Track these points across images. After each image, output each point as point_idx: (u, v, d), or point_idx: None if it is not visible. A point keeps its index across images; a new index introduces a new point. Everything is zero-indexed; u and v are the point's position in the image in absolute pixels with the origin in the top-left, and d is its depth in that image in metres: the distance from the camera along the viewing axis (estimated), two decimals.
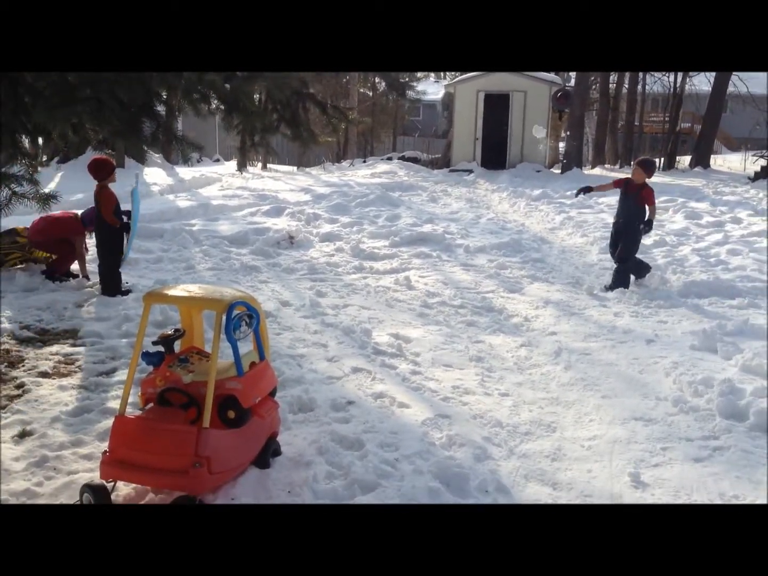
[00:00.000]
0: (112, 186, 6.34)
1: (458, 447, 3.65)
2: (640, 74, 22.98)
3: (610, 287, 7.06)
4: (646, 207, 7.10)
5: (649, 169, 7.18)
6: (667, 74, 23.67)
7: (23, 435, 3.68)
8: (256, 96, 4.12)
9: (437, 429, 3.86)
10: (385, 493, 3.13)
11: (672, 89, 23.22)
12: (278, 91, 3.78)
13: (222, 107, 3.87)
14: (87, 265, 6.99)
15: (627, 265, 7.15)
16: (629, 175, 7.38)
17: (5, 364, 4.66)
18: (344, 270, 7.83)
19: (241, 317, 3.11)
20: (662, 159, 22.12)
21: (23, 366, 4.64)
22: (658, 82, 24.75)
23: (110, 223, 6.23)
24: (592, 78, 24.20)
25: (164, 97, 3.91)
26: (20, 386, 4.30)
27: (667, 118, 24.03)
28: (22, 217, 8.57)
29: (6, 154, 3.45)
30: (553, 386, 4.63)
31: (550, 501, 3.19)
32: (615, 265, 7.24)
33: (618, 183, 7.34)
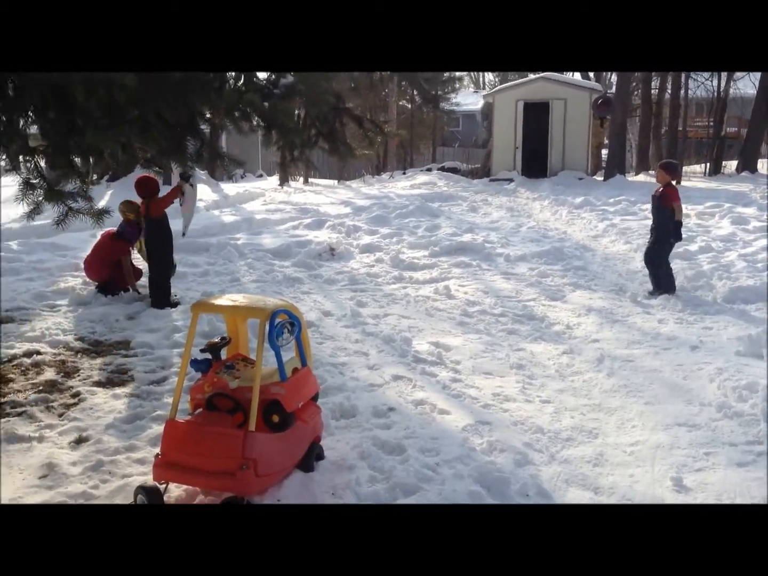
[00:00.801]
0: None
1: (499, 452, 3.69)
2: (683, 79, 22.60)
3: (655, 292, 7.02)
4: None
5: (670, 170, 7.25)
6: (710, 78, 23.25)
7: (80, 441, 3.85)
8: (296, 112, 4.27)
9: (478, 435, 3.90)
10: (426, 496, 3.19)
11: (716, 93, 22.78)
12: (315, 108, 3.91)
13: (262, 124, 4.02)
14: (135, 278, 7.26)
15: (661, 269, 7.11)
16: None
17: (62, 374, 4.87)
18: (384, 280, 7.93)
19: (284, 325, 3.22)
20: (708, 164, 21.71)
21: (78, 376, 4.84)
22: (701, 87, 24.30)
23: (174, 194, 6.62)
24: (634, 84, 23.95)
25: (207, 116, 4.08)
26: (76, 395, 4.49)
27: (711, 123, 23.56)
28: (75, 234, 8.92)
29: (61, 173, 3.66)
30: (595, 393, 4.62)
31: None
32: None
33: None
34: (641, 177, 20.55)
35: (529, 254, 9.22)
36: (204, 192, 16.46)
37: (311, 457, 3.40)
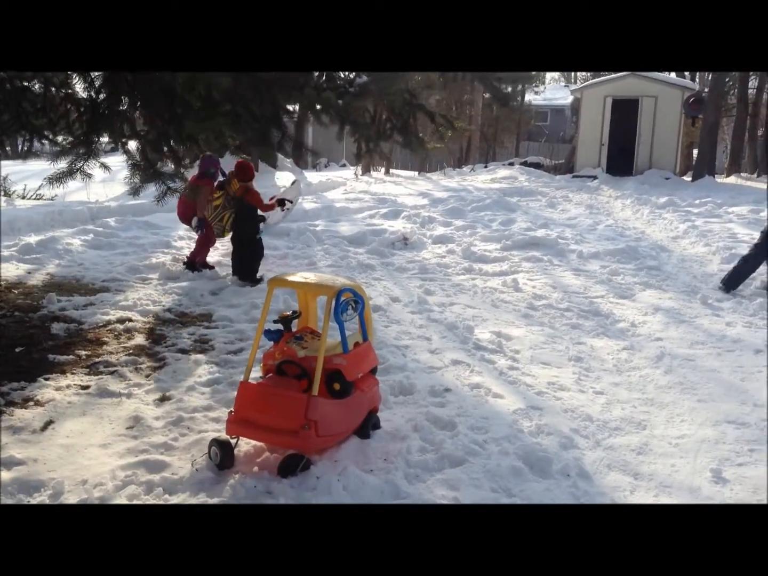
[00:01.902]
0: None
1: (546, 435, 3.87)
2: None
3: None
4: None
5: None
6: None
7: (163, 399, 4.27)
8: (370, 108, 4.57)
9: (527, 418, 4.09)
10: (471, 468, 3.42)
11: None
12: (387, 106, 4.18)
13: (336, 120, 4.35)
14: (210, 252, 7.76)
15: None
16: None
17: (150, 340, 5.36)
18: (453, 271, 8.13)
19: (348, 302, 3.53)
20: None
21: (165, 343, 5.30)
22: None
23: (269, 209, 7.10)
24: (729, 83, 23.04)
25: (291, 110, 4.43)
26: (162, 359, 4.94)
27: None
28: (167, 214, 9.54)
29: (159, 156, 4.09)
30: (649, 388, 4.71)
31: (629, 489, 3.35)
32: None
33: None
34: (732, 179, 19.81)
35: (602, 252, 9.19)
36: (288, 179, 17.04)
37: (368, 425, 3.68)
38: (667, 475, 3.49)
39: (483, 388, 4.52)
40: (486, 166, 23.92)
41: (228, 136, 4.30)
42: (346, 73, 4.17)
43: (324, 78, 4.08)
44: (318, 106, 4.09)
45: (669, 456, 3.69)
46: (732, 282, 7.30)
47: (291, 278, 3.78)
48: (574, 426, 4.03)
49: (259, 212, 7.15)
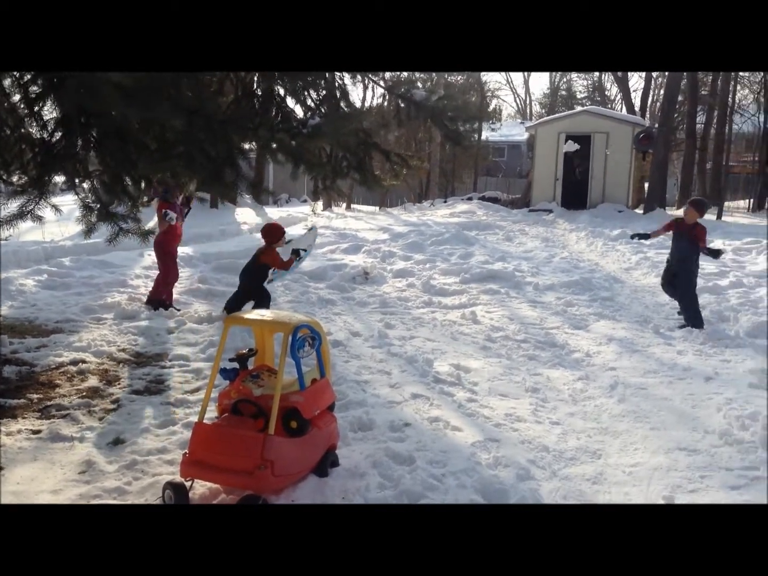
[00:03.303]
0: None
1: (503, 467, 3.90)
2: (728, 114, 22.53)
3: (685, 326, 7.18)
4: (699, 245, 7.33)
5: (700, 208, 7.47)
6: (756, 114, 23.12)
7: (117, 442, 4.18)
8: (325, 148, 4.65)
9: (485, 451, 4.12)
10: (429, 504, 3.42)
11: (761, 128, 22.63)
12: (339, 146, 4.27)
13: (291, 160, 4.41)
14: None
15: (690, 301, 7.24)
16: (680, 216, 7.64)
17: (104, 381, 5.26)
18: (414, 304, 8.20)
19: (305, 339, 3.53)
20: (751, 200, 21.52)
21: (119, 384, 5.21)
22: (748, 122, 24.16)
23: (286, 266, 7.08)
24: (678, 118, 23.95)
25: (248, 149, 4.46)
26: (116, 401, 4.85)
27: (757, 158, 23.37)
28: (124, 252, 9.43)
29: (113, 197, 4.09)
30: (604, 417, 4.79)
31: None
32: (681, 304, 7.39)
33: (670, 225, 7.66)
34: (682, 211, 20.43)
35: (558, 284, 9.38)
36: (248, 216, 17.05)
37: (326, 462, 3.66)
38: (621, 503, 3.54)
39: (442, 422, 4.55)
40: (446, 201, 24.24)
41: (183, 175, 4.32)
42: (301, 113, 4.27)
43: (279, 119, 4.15)
44: (273, 145, 4.15)
45: (623, 484, 3.75)
46: (695, 321, 7.21)
47: (247, 316, 3.78)
48: (530, 457, 4.07)
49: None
